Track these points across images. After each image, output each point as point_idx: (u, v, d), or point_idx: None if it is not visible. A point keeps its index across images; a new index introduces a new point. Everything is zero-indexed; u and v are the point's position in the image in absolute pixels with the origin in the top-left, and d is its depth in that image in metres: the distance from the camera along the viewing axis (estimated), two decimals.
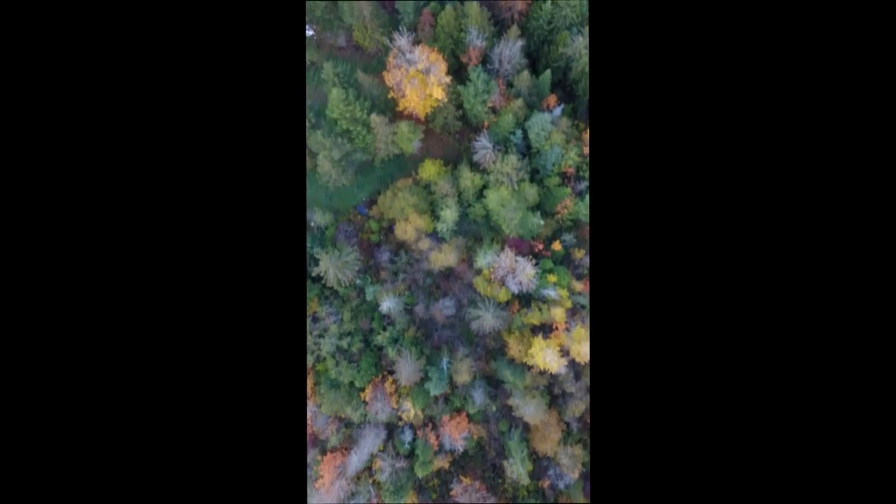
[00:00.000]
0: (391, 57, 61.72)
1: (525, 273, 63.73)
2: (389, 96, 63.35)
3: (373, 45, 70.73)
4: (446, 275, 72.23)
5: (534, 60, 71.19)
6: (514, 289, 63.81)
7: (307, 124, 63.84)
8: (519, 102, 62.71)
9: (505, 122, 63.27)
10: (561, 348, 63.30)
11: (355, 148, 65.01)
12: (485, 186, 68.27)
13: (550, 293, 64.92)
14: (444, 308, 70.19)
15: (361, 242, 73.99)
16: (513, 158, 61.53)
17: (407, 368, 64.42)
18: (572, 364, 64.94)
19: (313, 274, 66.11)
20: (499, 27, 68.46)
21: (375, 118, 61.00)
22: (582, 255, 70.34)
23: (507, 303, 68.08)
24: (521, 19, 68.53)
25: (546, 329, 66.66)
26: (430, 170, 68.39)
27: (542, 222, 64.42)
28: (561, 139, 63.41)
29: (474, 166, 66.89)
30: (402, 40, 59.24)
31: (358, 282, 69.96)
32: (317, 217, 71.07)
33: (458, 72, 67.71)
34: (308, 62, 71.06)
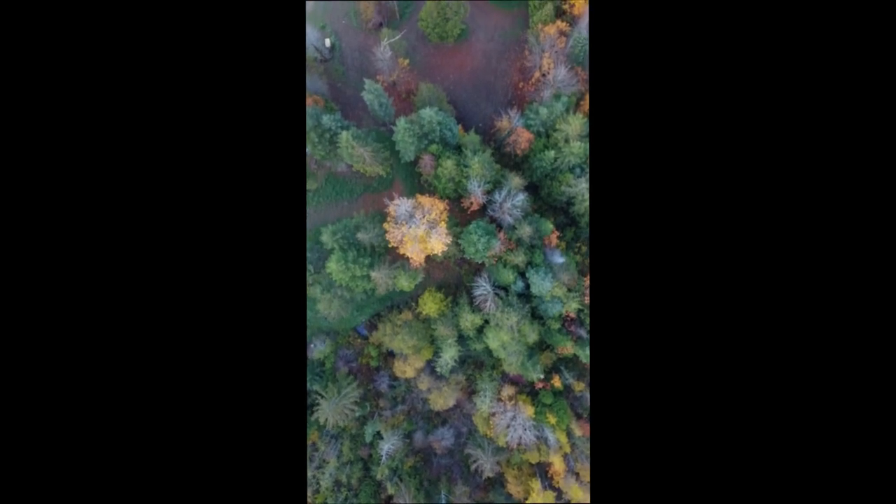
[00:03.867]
0: (390, 210, 60.60)
1: (524, 417, 64.04)
2: (390, 246, 62.41)
3: (375, 173, 69.35)
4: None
5: (536, 188, 70.08)
6: (515, 439, 64.09)
7: (307, 276, 63.03)
8: (521, 257, 61.84)
9: (506, 275, 62.55)
10: (558, 496, 64.10)
11: (354, 296, 64.39)
12: (486, 321, 67.98)
13: (550, 438, 65.30)
14: (443, 439, 70.71)
15: (361, 367, 74.03)
16: (514, 316, 61.00)
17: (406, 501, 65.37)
18: None
19: (313, 419, 66.29)
20: (500, 163, 67.09)
21: (376, 274, 60.25)
22: (582, 389, 70.52)
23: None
24: (523, 156, 67.12)
25: (543, 471, 67.34)
26: (430, 305, 67.88)
27: (542, 375, 64.32)
28: (562, 292, 62.79)
29: (474, 307, 66.37)
30: (403, 206, 58.02)
31: (357, 412, 70.23)
32: (316, 347, 70.86)
33: (460, 212, 66.65)
34: (308, 191, 69.79)
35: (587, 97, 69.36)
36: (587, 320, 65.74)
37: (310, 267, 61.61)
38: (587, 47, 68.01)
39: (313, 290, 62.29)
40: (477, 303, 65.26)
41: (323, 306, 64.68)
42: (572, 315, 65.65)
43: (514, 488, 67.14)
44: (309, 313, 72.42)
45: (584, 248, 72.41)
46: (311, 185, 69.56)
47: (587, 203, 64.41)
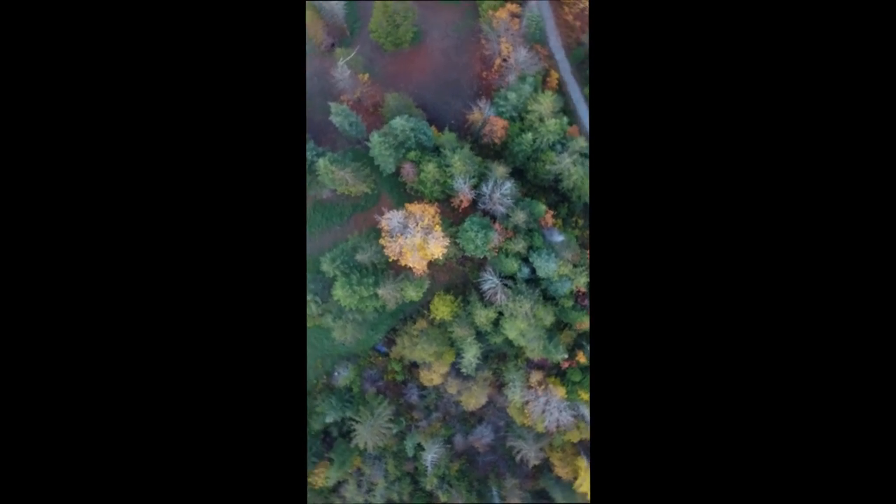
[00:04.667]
0: (383, 225, 60.56)
1: (557, 399, 64.15)
2: (391, 260, 62.35)
3: (360, 192, 69.20)
4: None
5: (521, 172, 69.91)
6: (553, 423, 64.18)
7: (315, 306, 63.00)
8: (520, 243, 61.77)
9: (510, 264, 62.51)
10: None
11: (366, 317, 64.43)
12: (500, 313, 67.88)
13: (586, 414, 65.40)
14: (482, 437, 70.88)
15: (388, 384, 74.12)
16: (527, 303, 60.98)
17: None
18: None
19: (353, 445, 66.48)
20: (481, 155, 66.90)
21: (383, 291, 60.25)
22: None
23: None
24: (502, 144, 66.95)
25: (587, 447, 67.45)
26: (442, 309, 67.82)
27: (566, 354, 64.35)
28: (568, 269, 62.74)
29: (486, 302, 66.31)
30: (395, 218, 57.97)
31: (394, 429, 70.35)
32: (340, 375, 70.96)
33: (451, 212, 66.57)
34: None
35: (553, 73, 69.18)
36: None
37: (316, 298, 61.65)
38: (542, 23, 67.76)
39: (325, 320, 62.38)
40: (487, 297, 65.23)
41: (338, 333, 64.72)
42: (583, 290, 65.63)
43: (561, 470, 67.32)
44: (325, 342, 72.47)
45: (581, 222, 72.37)
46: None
47: (575, 177, 64.31)
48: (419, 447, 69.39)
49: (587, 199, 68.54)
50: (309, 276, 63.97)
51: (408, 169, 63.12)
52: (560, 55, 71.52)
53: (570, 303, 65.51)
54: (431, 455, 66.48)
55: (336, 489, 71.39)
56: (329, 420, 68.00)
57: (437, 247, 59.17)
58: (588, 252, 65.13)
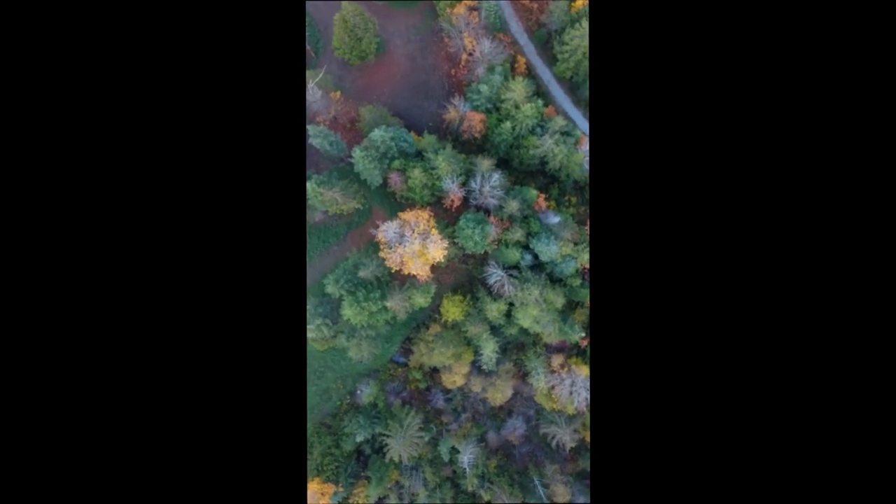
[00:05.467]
0: (380, 238, 60.58)
1: (582, 378, 64.10)
2: (394, 271, 62.33)
3: (352, 209, 69.21)
4: None
5: (506, 162, 69.99)
6: (582, 403, 64.11)
7: (326, 329, 62.91)
8: (518, 232, 61.79)
9: (511, 254, 62.52)
10: None
11: (379, 331, 64.38)
12: (511, 304, 67.87)
13: None
14: (515, 429, 70.76)
15: (412, 393, 74.00)
16: (535, 289, 60.97)
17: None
18: None
19: (387, 460, 66.33)
20: (464, 152, 66.97)
21: (391, 303, 60.22)
22: None
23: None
24: (482, 137, 67.04)
25: None
26: (452, 311, 67.75)
27: (583, 333, 64.29)
28: (570, 249, 62.75)
29: (494, 296, 66.26)
30: (390, 229, 57.99)
31: (426, 437, 70.21)
32: (363, 392, 70.84)
33: (444, 213, 66.60)
34: None
35: (519, 58, 69.33)
36: None
37: (326, 321, 61.57)
38: (501, 11, 67.90)
39: (339, 341, 62.32)
40: (495, 291, 65.22)
41: (353, 352, 64.65)
42: (588, 266, 65.59)
43: None
44: (342, 363, 72.41)
45: (574, 200, 72.51)
46: None
47: (560, 156, 64.46)
48: (454, 450, 69.24)
49: (576, 176, 68.66)
50: (315, 300, 63.92)
51: (395, 178, 63.17)
52: (523, 39, 71.68)
53: (577, 281, 65.53)
54: (467, 456, 66.35)
55: None
56: (360, 439, 67.88)
57: (437, 250, 59.15)
58: (588, 228, 65.16)
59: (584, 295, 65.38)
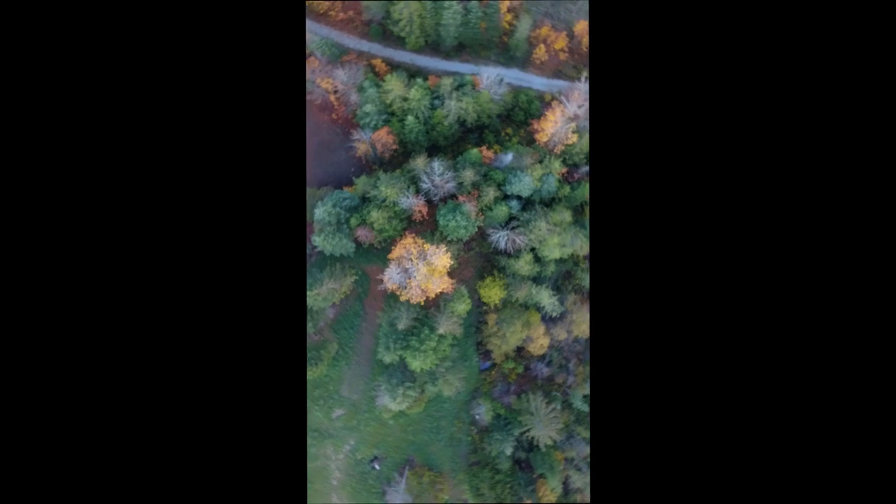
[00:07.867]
0: (391, 287, 60.67)
1: None
2: (422, 303, 62.43)
3: (350, 284, 69.26)
4: None
5: (435, 148, 70.20)
6: None
7: (413, 392, 62.92)
8: (489, 191, 62.10)
9: (499, 212, 62.76)
10: None
11: (450, 357, 64.42)
12: (532, 249, 67.80)
13: None
14: None
15: (518, 382, 74.01)
16: (541, 221, 61.26)
17: None
18: None
19: (543, 449, 66.32)
20: (398, 168, 67.14)
21: (443, 328, 60.47)
22: None
23: None
24: (401, 145, 67.19)
25: None
26: (492, 293, 67.57)
27: None
28: (542, 168, 63.01)
29: (514, 255, 66.25)
30: (392, 273, 58.09)
31: (556, 405, 70.17)
32: (481, 416, 70.87)
33: (423, 225, 66.76)
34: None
35: (375, 62, 69.67)
36: (576, 157, 66.11)
37: (405, 384, 61.69)
38: (328, 38, 68.13)
39: (428, 392, 62.27)
40: (511, 249, 65.42)
41: (447, 391, 64.75)
42: (565, 169, 65.89)
43: None
44: (445, 405, 72.26)
45: (509, 130, 72.75)
46: (318, 371, 68.03)
47: (468, 107, 64.72)
48: (585, 398, 69.25)
49: (494, 112, 68.93)
50: (384, 376, 64.12)
51: (362, 233, 63.26)
52: (364, 45, 71.93)
53: (566, 190, 65.72)
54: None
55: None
56: (508, 452, 67.87)
57: (442, 258, 59.25)
58: (538, 139, 65.37)
59: (580, 194, 65.56)
